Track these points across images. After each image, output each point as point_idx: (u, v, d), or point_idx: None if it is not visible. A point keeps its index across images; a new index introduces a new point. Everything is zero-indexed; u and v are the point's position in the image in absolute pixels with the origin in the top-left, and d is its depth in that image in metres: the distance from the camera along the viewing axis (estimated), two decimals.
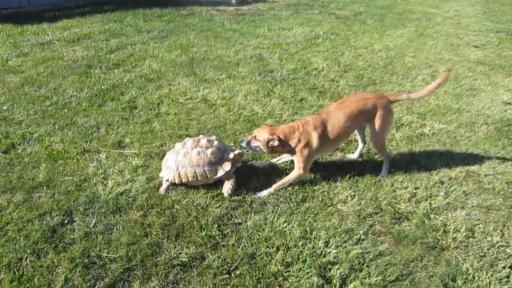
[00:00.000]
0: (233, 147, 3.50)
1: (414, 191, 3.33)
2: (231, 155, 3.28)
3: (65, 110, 4.50)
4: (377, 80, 5.74)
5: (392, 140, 4.12)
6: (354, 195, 3.25)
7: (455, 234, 2.86)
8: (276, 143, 3.13)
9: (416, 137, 4.20)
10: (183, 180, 3.14)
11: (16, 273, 2.42)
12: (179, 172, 3.13)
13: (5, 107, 4.49)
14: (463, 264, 2.62)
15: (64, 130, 4.09)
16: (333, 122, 3.22)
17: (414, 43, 7.78)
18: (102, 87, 5.12)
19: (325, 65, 6.23)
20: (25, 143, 3.83)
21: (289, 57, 6.59)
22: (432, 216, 3.06)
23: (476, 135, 4.28)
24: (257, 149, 3.27)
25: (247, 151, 3.34)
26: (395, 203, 3.18)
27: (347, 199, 3.21)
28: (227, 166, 3.20)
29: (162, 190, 3.20)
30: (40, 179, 3.27)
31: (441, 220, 3.00)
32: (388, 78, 5.82)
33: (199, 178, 3.14)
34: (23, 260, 2.52)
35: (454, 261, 2.65)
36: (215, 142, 3.28)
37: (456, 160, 3.78)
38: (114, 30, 7.62)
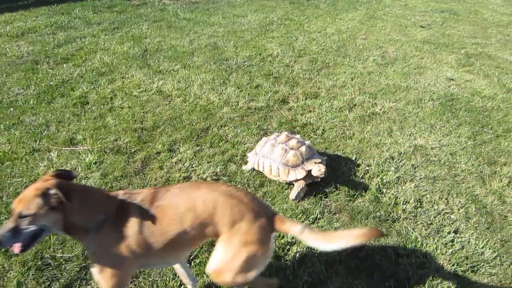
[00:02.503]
0: (323, 158, 3.30)
1: (367, 168, 3.47)
2: (309, 166, 3.12)
3: (11, 109, 4.28)
4: (330, 63, 5.86)
5: (345, 121, 4.25)
6: None
7: (405, 206, 3.03)
8: None
9: (368, 116, 4.36)
10: (260, 169, 3.27)
11: None
12: (258, 160, 3.26)
13: None
14: (412, 233, 2.79)
15: (11, 130, 3.90)
16: None
17: (365, 25, 7.97)
18: (51, 83, 4.90)
19: (279, 51, 6.28)
20: None
21: (244, 45, 6.57)
22: (384, 190, 3.21)
23: (423, 111, 4.50)
24: None
25: None
26: (349, 181, 3.30)
27: None
28: (299, 174, 3.09)
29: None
30: None
31: (392, 194, 3.16)
32: (341, 61, 5.96)
33: (272, 173, 3.18)
34: None
35: (404, 231, 2.81)
36: (302, 147, 3.21)
37: (405, 136, 3.97)
38: (61, 23, 7.26)
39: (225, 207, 1.82)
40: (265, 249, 1.87)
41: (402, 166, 3.50)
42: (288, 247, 2.65)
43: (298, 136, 3.40)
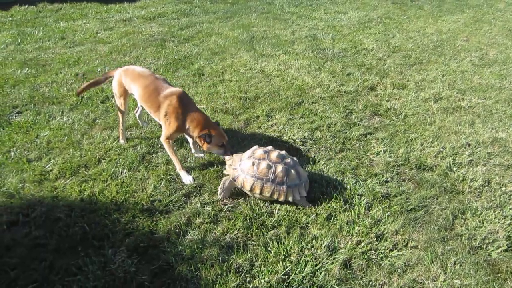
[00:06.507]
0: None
1: (441, 149, 3.79)
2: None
3: None
4: (423, 60, 6.07)
5: (428, 110, 4.54)
6: (387, 150, 3.78)
7: (472, 183, 3.32)
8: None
9: (452, 108, 4.58)
10: None
11: (119, 180, 3.28)
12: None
13: (99, 69, 5.47)
14: (474, 203, 3.09)
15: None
16: None
17: (469, 28, 7.87)
18: (175, 57, 5.96)
19: (375, 46, 6.64)
20: None
21: (341, 38, 7.05)
22: (454, 169, 3.52)
23: None
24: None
25: None
26: (422, 157, 3.66)
27: (380, 152, 3.75)
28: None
29: None
30: (130, 122, 4.15)
31: (462, 173, 3.46)
32: (435, 59, 6.12)
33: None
34: (123, 173, 3.38)
35: (466, 201, 3.12)
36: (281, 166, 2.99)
37: (487, 128, 4.15)
38: (184, 11, 8.50)
39: None
40: None
41: (477, 152, 3.74)
42: (357, 197, 3.16)
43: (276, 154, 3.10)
